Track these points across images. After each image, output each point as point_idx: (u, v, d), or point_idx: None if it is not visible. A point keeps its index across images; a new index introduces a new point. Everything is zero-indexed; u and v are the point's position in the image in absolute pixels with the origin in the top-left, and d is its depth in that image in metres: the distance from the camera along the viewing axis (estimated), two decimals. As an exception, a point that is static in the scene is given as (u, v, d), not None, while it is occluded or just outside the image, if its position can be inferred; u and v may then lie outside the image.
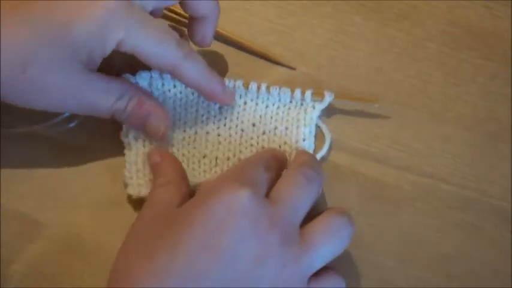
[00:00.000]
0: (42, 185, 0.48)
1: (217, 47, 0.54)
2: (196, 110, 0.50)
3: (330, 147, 0.50)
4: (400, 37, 0.54)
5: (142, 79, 0.49)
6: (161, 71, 0.49)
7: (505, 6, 0.55)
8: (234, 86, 0.50)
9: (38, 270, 0.46)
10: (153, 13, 0.46)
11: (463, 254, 0.47)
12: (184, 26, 0.53)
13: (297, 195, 0.42)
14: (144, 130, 0.47)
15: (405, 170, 0.49)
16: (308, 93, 0.50)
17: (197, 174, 0.48)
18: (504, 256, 0.47)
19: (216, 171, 0.49)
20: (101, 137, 0.49)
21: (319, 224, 0.42)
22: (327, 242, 0.41)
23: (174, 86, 0.50)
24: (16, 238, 0.47)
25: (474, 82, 0.53)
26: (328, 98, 0.50)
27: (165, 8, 0.53)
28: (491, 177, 0.49)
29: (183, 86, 0.50)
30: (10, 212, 0.47)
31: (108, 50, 0.42)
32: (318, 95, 0.50)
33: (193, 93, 0.50)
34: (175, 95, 0.50)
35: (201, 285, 0.38)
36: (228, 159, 0.49)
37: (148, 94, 0.47)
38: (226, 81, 0.50)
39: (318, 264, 0.41)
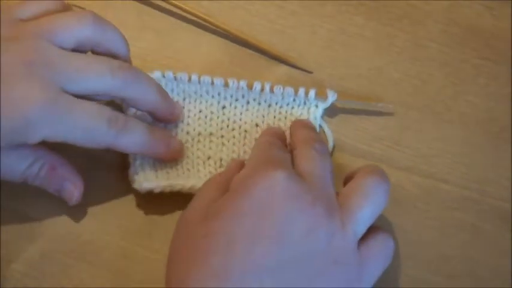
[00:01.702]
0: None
1: (219, 46, 0.54)
2: (200, 111, 0.50)
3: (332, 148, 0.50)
4: (401, 37, 0.54)
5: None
6: None
7: (505, 6, 0.55)
8: (238, 87, 0.50)
9: (38, 270, 0.46)
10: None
11: (463, 254, 0.47)
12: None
13: (319, 167, 0.43)
14: (60, 195, 0.46)
15: (406, 171, 0.49)
16: (312, 92, 0.50)
17: (202, 176, 0.48)
18: (504, 256, 0.47)
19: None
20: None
21: (353, 189, 0.42)
22: (365, 205, 0.42)
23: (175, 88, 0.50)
24: (16, 238, 0.47)
25: (474, 82, 0.53)
26: (332, 97, 0.50)
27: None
28: (492, 178, 0.49)
29: (185, 86, 0.50)
30: (10, 212, 0.47)
31: (31, 144, 0.42)
32: (320, 95, 0.50)
33: (195, 93, 0.50)
34: (178, 94, 0.50)
35: (261, 273, 0.38)
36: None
37: (64, 160, 0.46)
38: (230, 82, 0.49)
39: (362, 227, 0.42)
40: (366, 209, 0.42)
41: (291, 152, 0.45)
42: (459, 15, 0.55)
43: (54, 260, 0.46)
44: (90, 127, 0.43)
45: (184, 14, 0.54)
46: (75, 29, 0.44)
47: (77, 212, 0.47)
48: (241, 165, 0.45)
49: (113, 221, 0.47)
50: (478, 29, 0.54)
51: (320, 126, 0.50)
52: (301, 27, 0.54)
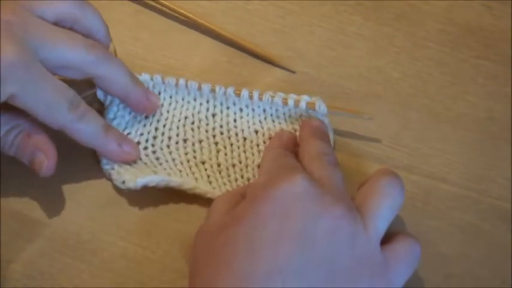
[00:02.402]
0: (42, 185, 0.48)
1: (216, 47, 0.54)
2: (186, 118, 0.50)
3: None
4: (400, 37, 0.54)
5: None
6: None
7: (505, 6, 0.55)
8: (225, 94, 0.49)
9: (38, 270, 0.46)
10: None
11: (462, 254, 0.47)
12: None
13: (333, 175, 0.43)
14: (31, 165, 0.46)
15: (405, 170, 0.49)
16: (303, 103, 0.48)
17: (199, 177, 0.48)
18: (504, 256, 0.47)
19: (223, 177, 0.48)
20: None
21: (369, 191, 0.43)
22: (383, 203, 0.42)
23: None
24: (15, 238, 0.47)
25: (474, 82, 0.53)
26: (321, 112, 0.48)
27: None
28: (491, 177, 0.49)
29: (173, 92, 0.50)
30: (10, 212, 0.47)
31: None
32: (312, 102, 0.48)
33: (183, 99, 0.50)
34: (164, 99, 0.50)
35: (285, 275, 0.38)
36: (234, 165, 0.49)
37: (40, 129, 0.46)
38: (217, 88, 0.49)
39: (383, 225, 0.42)
40: (384, 207, 0.42)
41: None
42: (458, 15, 0.55)
43: (54, 260, 0.46)
44: (53, 104, 0.44)
45: (180, 16, 0.55)
46: (54, 2, 0.45)
47: (77, 212, 0.47)
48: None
49: (112, 221, 0.47)
50: (477, 28, 0.54)
51: None
52: (299, 27, 0.54)
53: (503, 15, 0.55)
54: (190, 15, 0.54)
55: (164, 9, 0.55)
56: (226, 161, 0.49)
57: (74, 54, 0.44)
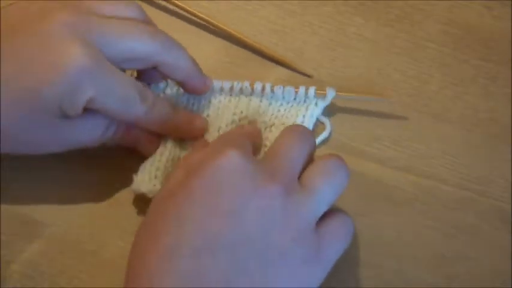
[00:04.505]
0: (42, 185, 0.48)
1: (218, 47, 0.54)
2: (208, 115, 0.50)
3: (331, 146, 0.50)
4: (400, 37, 0.54)
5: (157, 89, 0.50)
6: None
7: (505, 6, 0.55)
8: (242, 88, 0.50)
9: (38, 270, 0.46)
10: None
11: (462, 254, 0.47)
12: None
13: (290, 147, 0.43)
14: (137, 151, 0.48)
15: (405, 171, 0.49)
16: (311, 89, 0.50)
17: None
18: (504, 256, 0.47)
19: None
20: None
21: (315, 168, 0.42)
22: (326, 184, 0.42)
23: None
24: (15, 238, 0.47)
25: (474, 82, 0.53)
26: (330, 94, 0.50)
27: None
28: (491, 178, 0.49)
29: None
30: (9, 212, 0.47)
31: (79, 109, 0.43)
32: (319, 94, 0.50)
33: (205, 99, 0.50)
34: (188, 100, 0.50)
35: (214, 252, 0.38)
36: None
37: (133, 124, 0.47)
38: (235, 83, 0.50)
39: (322, 207, 0.41)
40: (327, 188, 0.42)
41: None
42: (459, 16, 0.55)
43: (54, 261, 0.46)
44: (128, 97, 0.44)
45: (185, 14, 0.54)
46: (116, 4, 0.45)
47: (76, 212, 0.48)
48: (205, 144, 0.46)
49: (112, 222, 0.47)
50: (477, 29, 0.54)
51: (318, 119, 0.51)
52: (300, 28, 0.54)
53: (504, 16, 0.55)
54: (199, 14, 0.54)
55: (170, 7, 0.55)
56: None
57: (139, 44, 0.44)
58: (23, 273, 0.46)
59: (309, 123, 0.50)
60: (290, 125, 0.46)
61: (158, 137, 0.48)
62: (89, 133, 0.45)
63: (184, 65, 0.47)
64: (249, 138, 0.45)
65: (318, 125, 0.51)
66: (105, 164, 0.49)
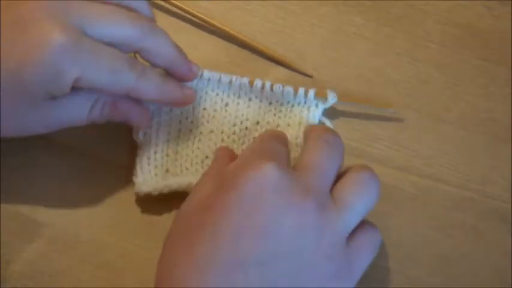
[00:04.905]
0: (41, 185, 0.48)
1: (218, 47, 0.54)
2: (204, 109, 0.50)
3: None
4: (400, 37, 0.54)
5: None
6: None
7: (505, 6, 0.55)
8: (240, 84, 0.50)
9: (37, 270, 0.46)
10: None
11: (462, 254, 0.47)
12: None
13: (322, 160, 0.42)
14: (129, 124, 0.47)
15: (405, 171, 0.49)
16: (311, 92, 0.50)
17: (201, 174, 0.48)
18: (504, 257, 0.47)
19: None
20: (100, 137, 0.49)
21: (347, 183, 0.42)
22: (359, 199, 0.42)
23: None
24: (15, 238, 0.47)
25: (474, 82, 0.53)
26: (332, 99, 0.50)
27: None
28: (491, 178, 0.49)
29: (193, 83, 0.50)
30: (10, 212, 0.47)
31: (66, 89, 0.42)
32: (320, 95, 0.50)
33: (201, 90, 0.50)
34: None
35: (246, 267, 0.38)
36: None
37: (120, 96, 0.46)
38: (234, 77, 0.50)
39: (354, 222, 0.41)
40: (359, 203, 0.42)
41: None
42: (459, 16, 0.55)
43: (54, 260, 0.46)
44: (115, 69, 0.43)
45: (184, 14, 0.54)
46: None
47: (76, 212, 0.48)
48: (230, 153, 0.46)
49: (112, 221, 0.47)
50: (477, 29, 0.54)
51: (320, 121, 0.50)
52: (300, 28, 0.54)
53: (504, 16, 0.55)
54: (198, 14, 0.54)
55: (169, 7, 0.55)
56: None
57: (118, 29, 0.43)
58: (23, 273, 0.46)
59: (313, 124, 0.50)
60: (316, 129, 0.45)
61: (146, 108, 0.47)
62: (76, 111, 0.44)
63: (166, 51, 0.46)
64: (284, 145, 0.44)
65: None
66: (105, 164, 0.49)
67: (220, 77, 0.50)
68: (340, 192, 0.42)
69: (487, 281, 0.47)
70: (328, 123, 0.50)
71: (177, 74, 0.47)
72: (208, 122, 0.50)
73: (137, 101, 0.47)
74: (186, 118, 0.50)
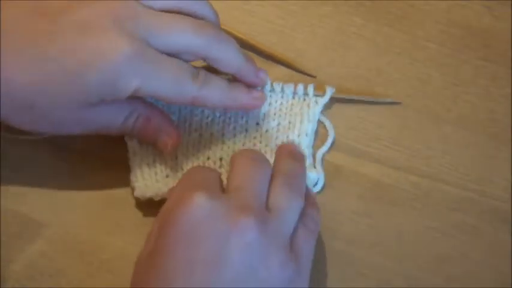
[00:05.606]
0: (41, 185, 0.48)
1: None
2: (202, 111, 0.50)
3: (331, 147, 0.50)
4: (400, 37, 0.54)
5: None
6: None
7: (505, 6, 0.55)
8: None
9: (37, 270, 0.46)
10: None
11: (462, 254, 0.47)
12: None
13: (250, 177, 0.42)
14: (155, 146, 0.47)
15: (405, 171, 0.49)
16: (310, 87, 0.50)
17: None
18: (504, 257, 0.47)
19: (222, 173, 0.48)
20: (101, 137, 0.49)
21: (276, 189, 0.42)
22: (290, 199, 0.42)
23: None
24: (15, 238, 0.47)
25: (474, 82, 0.53)
26: (330, 92, 0.50)
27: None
28: (491, 178, 0.49)
29: None
30: (10, 212, 0.47)
31: (123, 97, 0.43)
32: (318, 90, 0.50)
33: None
34: None
35: None
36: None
37: (159, 111, 0.47)
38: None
39: (293, 221, 0.41)
40: (292, 203, 0.42)
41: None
42: (459, 16, 0.55)
43: (54, 261, 0.46)
44: (178, 79, 0.44)
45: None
46: None
47: (76, 212, 0.48)
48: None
49: (112, 222, 0.47)
50: (477, 29, 0.54)
51: (320, 121, 0.50)
52: (300, 28, 0.54)
53: (504, 16, 0.55)
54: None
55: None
56: (228, 155, 0.49)
57: (182, 39, 0.44)
58: (23, 273, 0.46)
59: (313, 121, 0.50)
60: (238, 153, 0.45)
61: (177, 132, 0.48)
62: (112, 118, 0.45)
63: (232, 59, 0.46)
64: (212, 171, 0.44)
65: (320, 126, 0.51)
66: (105, 164, 0.49)
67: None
68: (270, 200, 0.42)
69: (487, 281, 0.46)
70: (328, 123, 0.50)
71: (244, 81, 0.48)
72: (207, 124, 0.50)
73: (172, 122, 0.48)
74: (185, 121, 0.50)
